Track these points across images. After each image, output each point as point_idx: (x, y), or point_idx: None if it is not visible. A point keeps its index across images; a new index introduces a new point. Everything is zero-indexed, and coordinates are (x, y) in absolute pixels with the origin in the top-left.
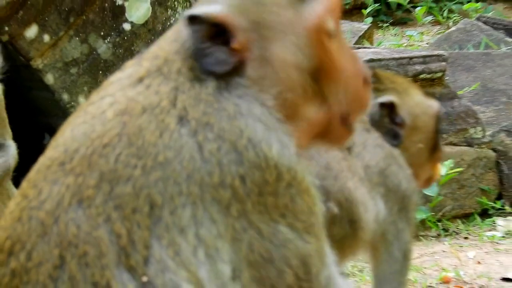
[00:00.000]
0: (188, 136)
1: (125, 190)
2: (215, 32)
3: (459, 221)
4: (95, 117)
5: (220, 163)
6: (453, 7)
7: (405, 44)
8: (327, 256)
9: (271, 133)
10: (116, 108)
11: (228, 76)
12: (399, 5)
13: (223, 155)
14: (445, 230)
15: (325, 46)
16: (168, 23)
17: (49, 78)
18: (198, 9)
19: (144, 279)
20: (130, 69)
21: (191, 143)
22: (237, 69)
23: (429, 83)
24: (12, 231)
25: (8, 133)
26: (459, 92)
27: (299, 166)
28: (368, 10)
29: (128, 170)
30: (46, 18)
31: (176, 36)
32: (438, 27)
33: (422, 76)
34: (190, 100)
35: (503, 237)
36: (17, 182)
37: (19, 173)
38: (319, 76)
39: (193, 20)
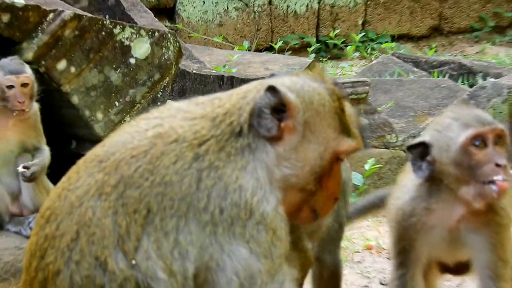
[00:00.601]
0: (196, 169)
1: (134, 194)
2: (279, 107)
3: None
4: (138, 131)
5: (209, 195)
6: (375, 46)
7: (339, 73)
8: (279, 275)
9: (260, 189)
10: (157, 130)
11: (264, 140)
12: (335, 45)
13: (214, 190)
14: None
15: (333, 166)
16: (163, 58)
17: (75, 99)
18: (280, 86)
19: (133, 262)
20: (195, 107)
21: (195, 175)
22: (273, 140)
23: (356, 101)
24: (52, 203)
25: (43, 139)
26: (379, 109)
27: (273, 213)
28: (312, 48)
29: (141, 180)
30: (73, 55)
31: (247, 95)
32: (364, 61)
33: (351, 96)
34: (216, 147)
35: None
36: (50, 177)
37: (52, 170)
38: (319, 181)
39: (272, 90)
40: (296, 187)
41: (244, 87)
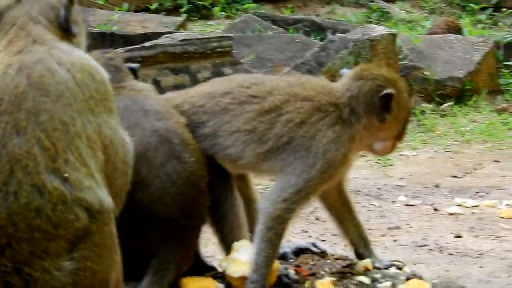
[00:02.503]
0: (66, 73)
1: (45, 117)
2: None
3: None
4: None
5: (86, 84)
6: (238, 6)
7: (207, 31)
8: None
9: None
10: (14, 67)
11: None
12: (204, 6)
13: (85, 79)
14: None
15: None
16: None
17: None
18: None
19: (66, 175)
20: (10, 46)
21: (69, 77)
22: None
23: (222, 54)
24: None
25: None
26: (242, 60)
27: (109, 82)
28: (183, 9)
29: (43, 105)
30: None
31: None
32: (229, 20)
33: (217, 50)
34: (61, 53)
35: None
36: None
37: None
38: None
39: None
40: None
41: None
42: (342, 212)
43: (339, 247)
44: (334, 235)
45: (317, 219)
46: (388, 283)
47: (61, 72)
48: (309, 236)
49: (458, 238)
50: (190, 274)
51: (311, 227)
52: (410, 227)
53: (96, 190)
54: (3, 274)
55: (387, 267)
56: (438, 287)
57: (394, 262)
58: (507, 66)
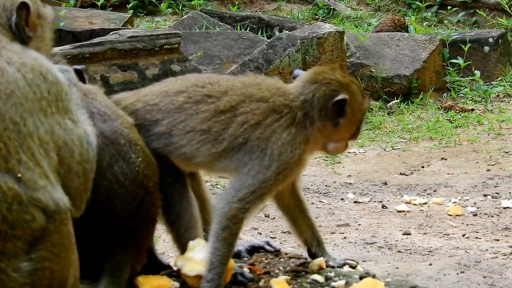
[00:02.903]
0: (16, 72)
1: None
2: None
3: None
4: None
5: (37, 84)
6: (185, 3)
7: (154, 27)
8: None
9: (55, 67)
10: None
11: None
12: (151, 2)
13: (36, 79)
14: None
15: None
16: None
17: None
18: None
19: (19, 175)
20: None
21: (19, 76)
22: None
23: (170, 51)
24: None
25: None
26: (190, 57)
27: (65, 82)
28: (130, 5)
29: None
30: None
31: None
32: (176, 16)
33: (165, 46)
34: (10, 53)
35: None
36: None
37: None
38: None
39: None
40: None
41: None
42: (296, 212)
43: (289, 244)
44: (284, 232)
45: (267, 216)
46: (342, 282)
47: (11, 71)
48: (259, 234)
49: (406, 236)
50: (145, 272)
51: (261, 225)
52: (359, 225)
53: (51, 190)
54: None
55: (340, 266)
56: (391, 286)
57: (347, 261)
58: (452, 64)
